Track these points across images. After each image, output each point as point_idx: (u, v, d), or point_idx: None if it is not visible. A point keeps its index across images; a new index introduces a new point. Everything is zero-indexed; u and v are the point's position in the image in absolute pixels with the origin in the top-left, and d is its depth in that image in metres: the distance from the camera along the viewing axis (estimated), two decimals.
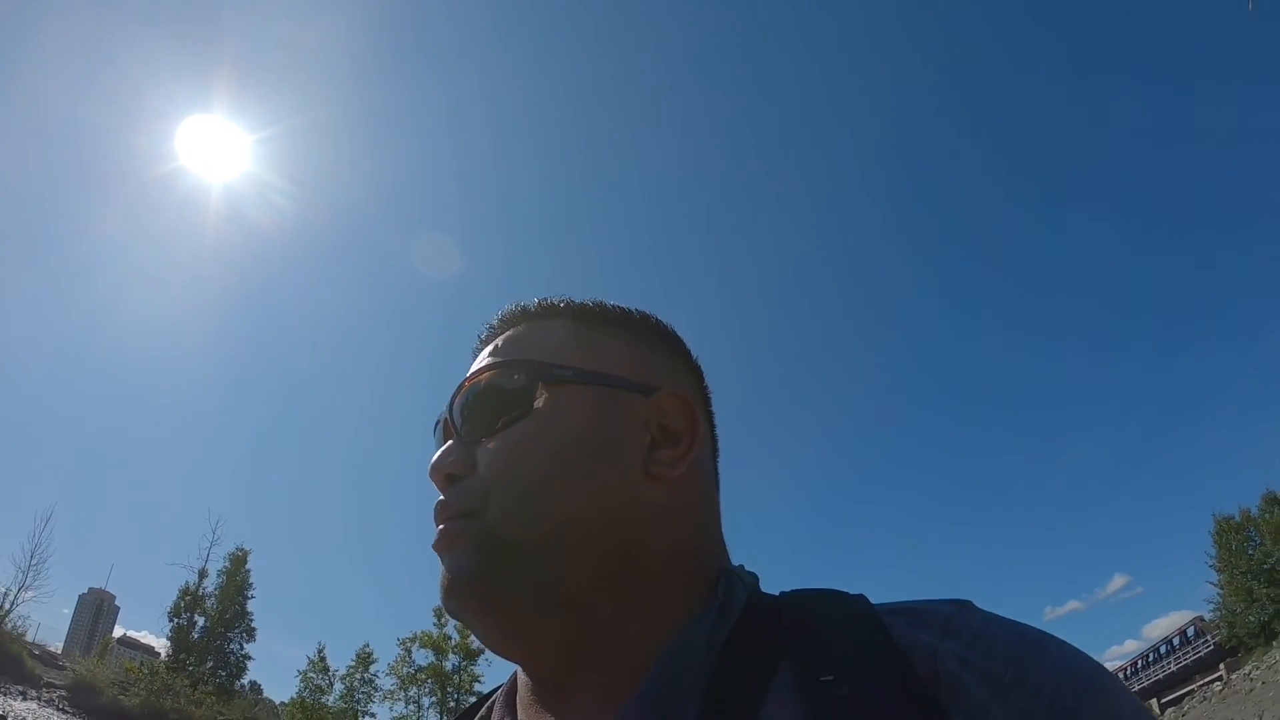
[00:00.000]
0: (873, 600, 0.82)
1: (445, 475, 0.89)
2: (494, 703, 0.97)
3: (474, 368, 0.97)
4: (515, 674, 0.95)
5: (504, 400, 0.90)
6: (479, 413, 0.92)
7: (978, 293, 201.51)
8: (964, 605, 0.79)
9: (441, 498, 0.88)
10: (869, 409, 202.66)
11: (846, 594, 0.85)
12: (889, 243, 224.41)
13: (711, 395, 1.06)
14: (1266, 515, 48.39)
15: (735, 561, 0.96)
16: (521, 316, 1.02)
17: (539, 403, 0.90)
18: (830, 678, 0.71)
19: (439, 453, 0.91)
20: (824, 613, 0.80)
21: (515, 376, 0.92)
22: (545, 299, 1.03)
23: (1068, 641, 0.74)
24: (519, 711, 0.89)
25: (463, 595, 0.84)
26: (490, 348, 0.99)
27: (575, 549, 0.83)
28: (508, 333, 1.00)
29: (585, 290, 1.01)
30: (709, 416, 1.03)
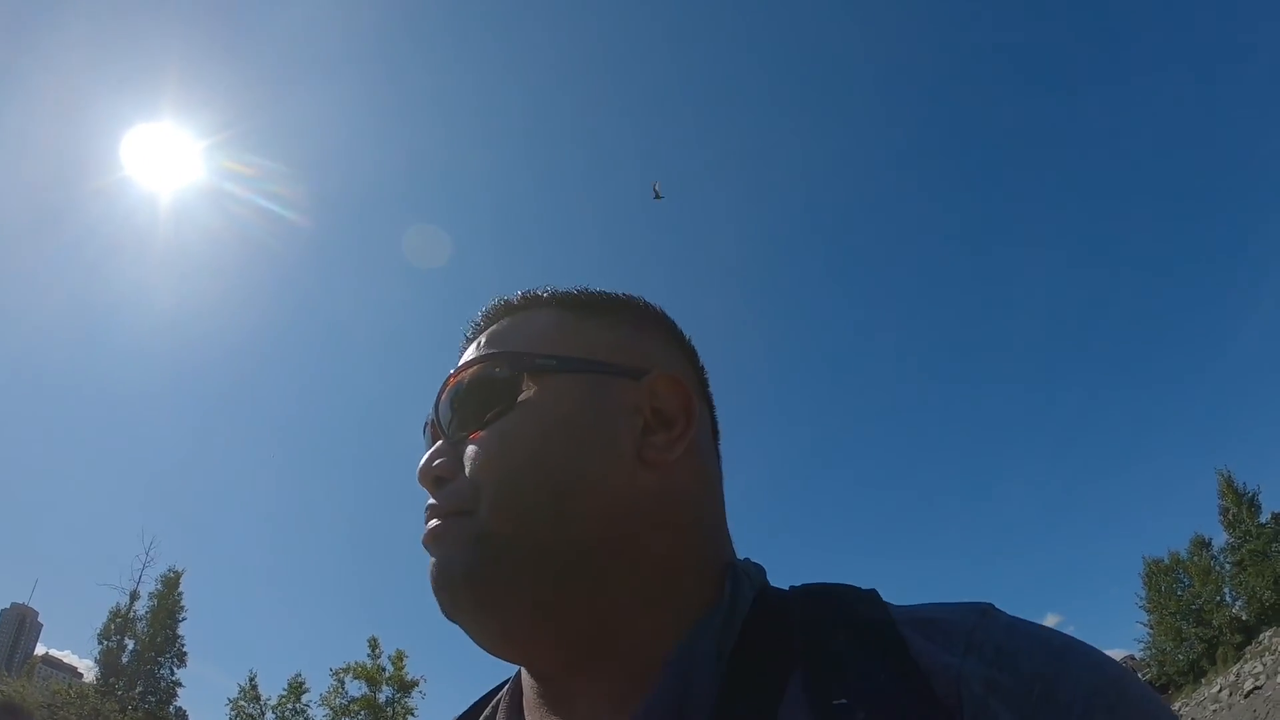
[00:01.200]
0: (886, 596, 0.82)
1: (434, 478, 0.88)
2: (499, 703, 0.95)
3: (460, 365, 0.96)
4: (519, 673, 0.93)
5: (488, 395, 0.89)
6: (464, 409, 0.90)
7: (906, 324, 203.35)
8: (984, 612, 0.76)
9: (431, 501, 0.87)
10: (798, 441, 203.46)
11: (859, 591, 0.84)
12: (826, 262, 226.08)
13: (709, 377, 1.06)
14: (1195, 558, 49.38)
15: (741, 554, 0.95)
16: (505, 310, 1.01)
17: (524, 394, 0.88)
18: (844, 700, 0.68)
19: (426, 455, 0.90)
20: (838, 619, 0.77)
21: (498, 370, 0.91)
22: (529, 290, 1.02)
23: (1094, 647, 0.72)
24: (525, 715, 0.88)
25: (457, 592, 0.81)
26: (474, 344, 0.99)
27: (572, 541, 0.81)
28: (492, 328, 0.99)
29: (579, 277, 1.00)
30: (706, 398, 1.03)
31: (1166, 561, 51.30)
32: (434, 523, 0.85)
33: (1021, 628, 0.74)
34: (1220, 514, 47.68)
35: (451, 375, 0.93)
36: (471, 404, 0.89)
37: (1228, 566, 47.85)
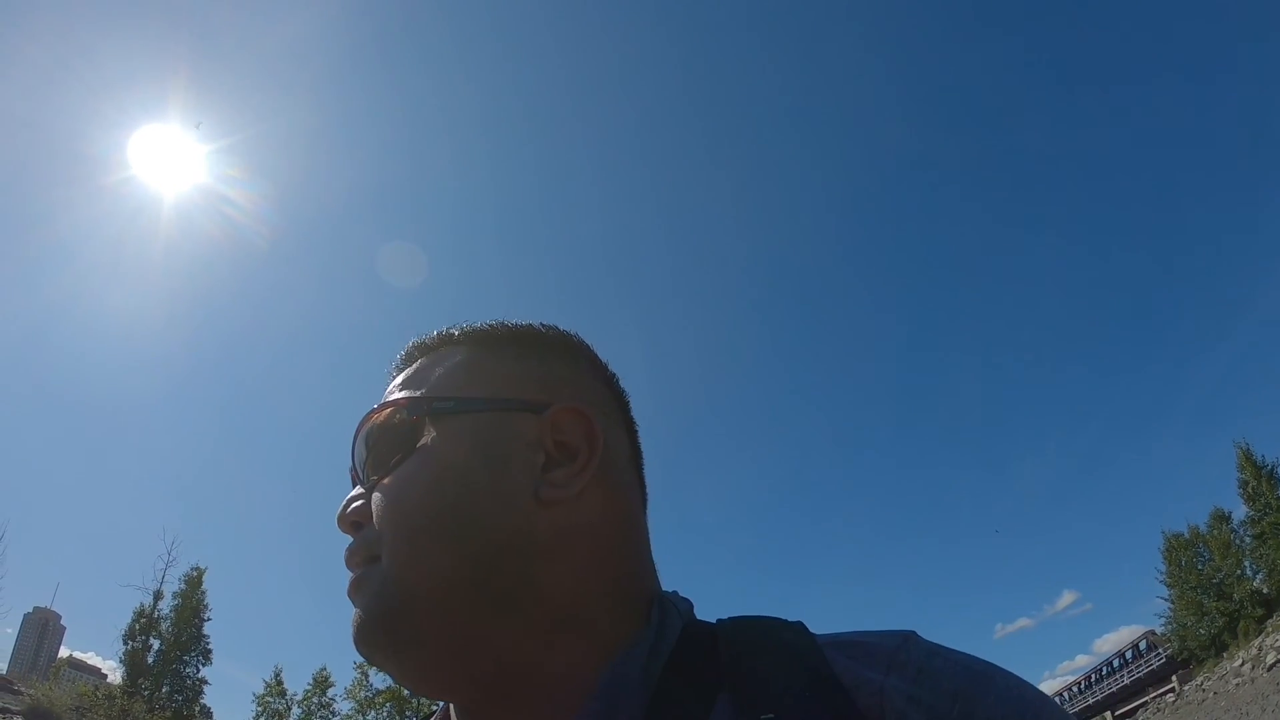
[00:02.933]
0: (813, 629, 0.82)
1: (351, 523, 0.88)
2: None
3: (372, 409, 0.94)
4: (444, 709, 0.94)
5: (392, 440, 0.89)
6: (373, 455, 0.90)
7: (928, 308, 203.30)
8: (908, 638, 0.77)
9: (349, 548, 0.87)
10: (819, 425, 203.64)
11: (785, 622, 0.84)
12: (842, 256, 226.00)
13: (630, 402, 1.04)
14: (1215, 531, 49.26)
15: (674, 586, 0.94)
16: (419, 351, 1.01)
17: (423, 439, 0.87)
18: (770, 716, 0.69)
19: (344, 500, 0.90)
20: (763, 644, 0.78)
21: (399, 415, 0.90)
22: (445, 329, 1.01)
23: (1013, 673, 0.73)
24: None
25: (369, 641, 0.82)
26: (391, 386, 0.99)
27: (469, 586, 0.80)
28: (406, 370, 0.99)
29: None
30: (626, 425, 1.01)
31: (1186, 536, 51.11)
32: (353, 571, 0.85)
33: (944, 652, 0.76)
34: (1239, 487, 47.44)
35: (364, 419, 0.93)
36: (379, 449, 0.90)
37: (1248, 540, 47.64)
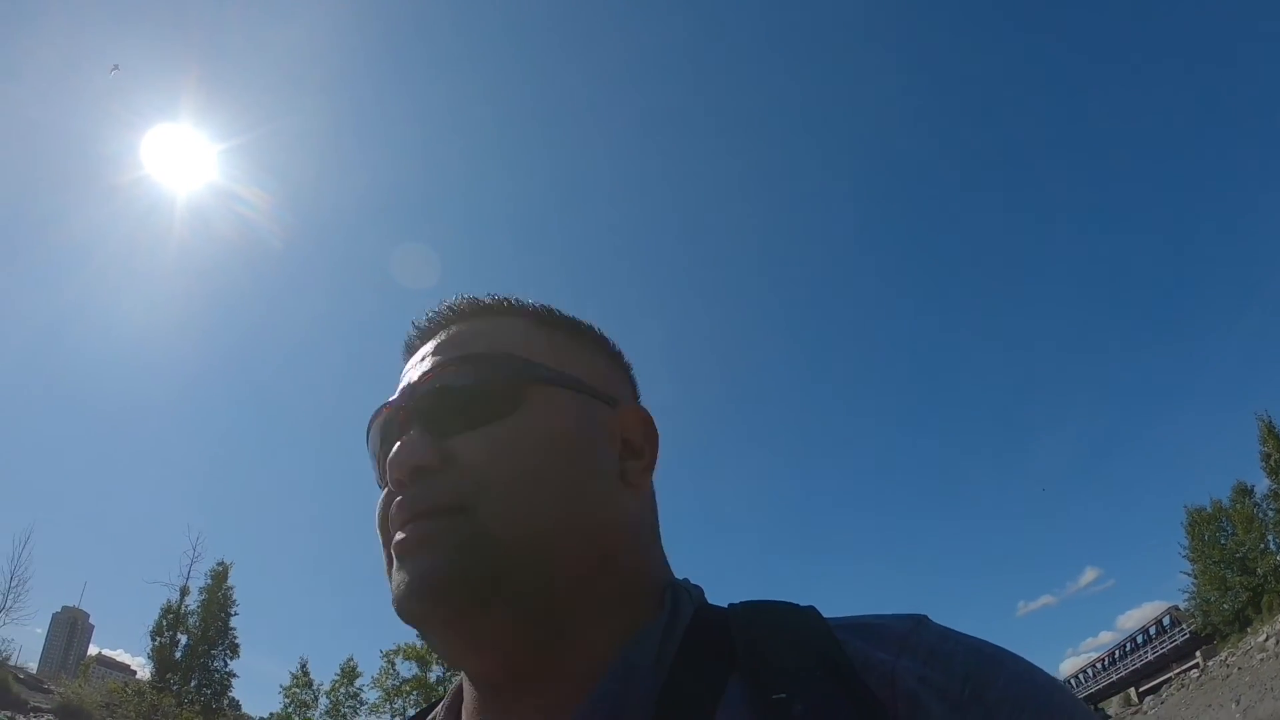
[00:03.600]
0: (837, 612, 0.84)
1: (414, 467, 0.83)
2: (436, 716, 0.95)
3: (438, 358, 0.93)
4: (457, 687, 0.94)
5: (484, 396, 0.87)
6: (453, 406, 0.87)
7: (942, 289, 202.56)
8: (919, 621, 0.79)
9: (403, 495, 0.83)
10: (836, 409, 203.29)
11: (797, 606, 0.85)
12: (859, 241, 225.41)
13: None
14: (1237, 505, 48.91)
15: (697, 569, 0.94)
16: (475, 310, 1.00)
17: (525, 401, 0.87)
18: (783, 695, 0.69)
19: (401, 444, 0.85)
20: (775, 627, 0.79)
21: (498, 370, 0.89)
22: (495, 295, 1.01)
23: (1022, 657, 0.75)
24: None
25: (439, 599, 0.78)
26: (444, 338, 0.97)
27: (564, 552, 0.82)
28: (462, 326, 0.98)
29: (556, 298, 1.01)
30: None
31: (1209, 510, 50.78)
32: (422, 524, 0.81)
33: (954, 635, 0.77)
34: (1262, 460, 47.11)
35: (436, 368, 0.91)
36: (463, 402, 0.87)
37: (1271, 513, 47.30)
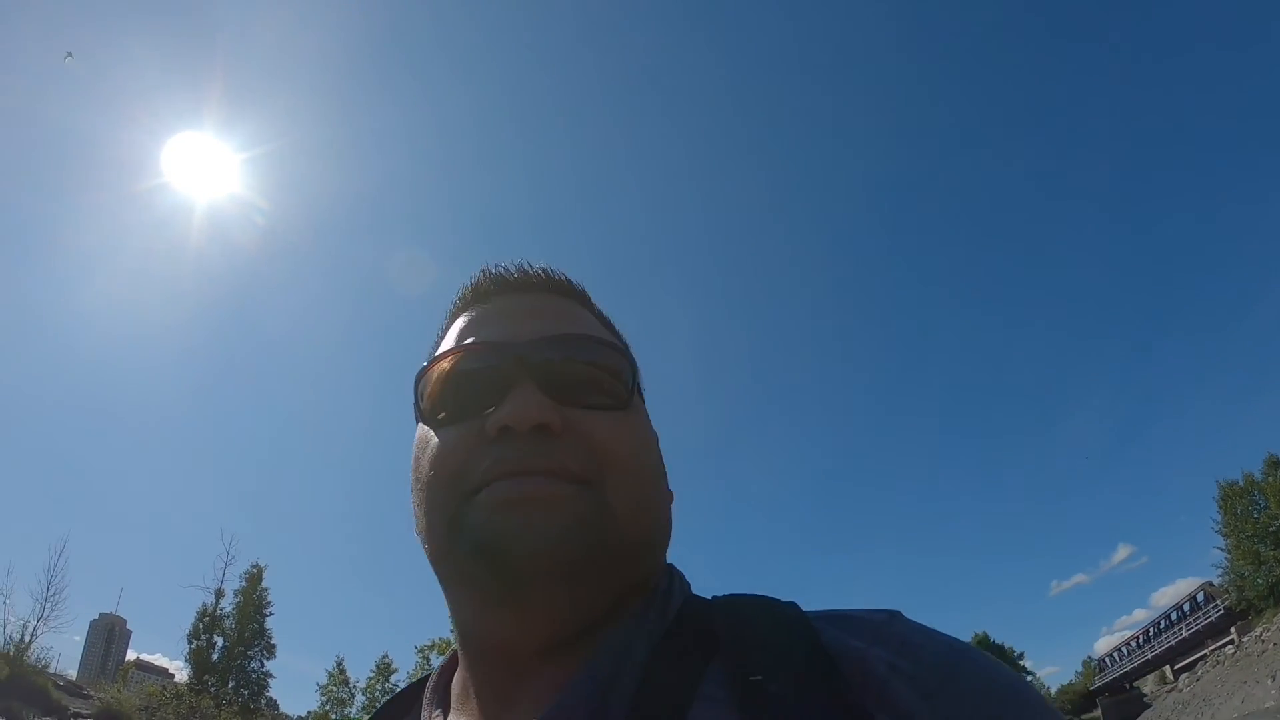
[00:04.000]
0: (869, 598, 0.95)
1: (538, 425, 0.82)
2: (425, 695, 0.96)
3: (561, 328, 0.93)
4: (445, 665, 0.97)
5: (611, 383, 0.90)
6: (579, 380, 0.88)
7: (968, 271, 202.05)
8: (894, 615, 0.81)
9: (521, 445, 0.81)
10: (867, 394, 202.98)
11: (777, 600, 0.86)
12: (885, 227, 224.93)
13: None
14: (1270, 478, 48.53)
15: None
16: (574, 294, 1.03)
17: (632, 403, 0.92)
18: (759, 677, 0.72)
19: (524, 397, 0.83)
20: (755, 617, 0.82)
21: (624, 367, 0.92)
22: (580, 286, 1.04)
23: (991, 655, 0.77)
24: (454, 705, 0.91)
25: (551, 559, 0.77)
26: (554, 306, 0.98)
27: (651, 545, 0.89)
28: (569, 303, 1.00)
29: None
30: None
31: (1241, 484, 50.46)
32: (549, 482, 0.80)
33: (927, 630, 0.79)
34: None
35: (564, 335, 0.92)
36: (595, 380, 0.89)
37: None
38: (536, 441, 0.81)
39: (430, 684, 0.96)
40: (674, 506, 0.97)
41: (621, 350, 0.94)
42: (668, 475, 0.98)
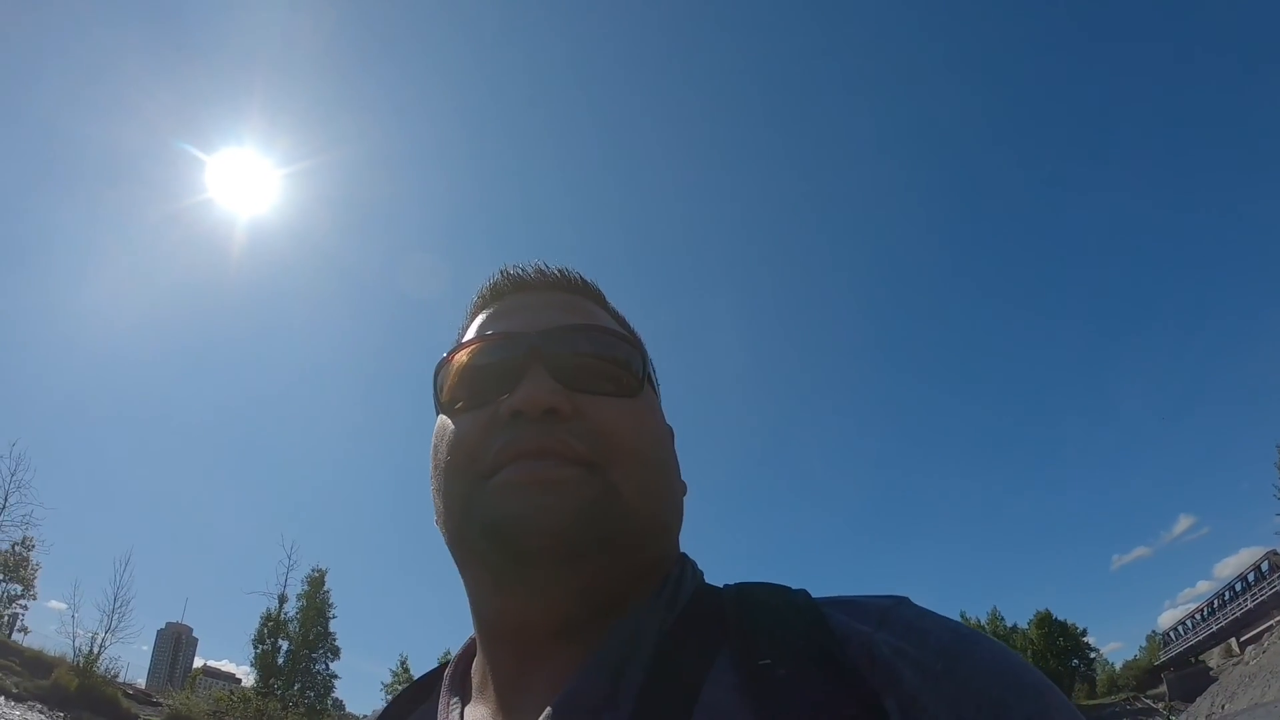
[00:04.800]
0: (927, 582, 0.99)
1: (548, 409, 0.85)
2: (444, 682, 0.98)
3: (573, 318, 0.98)
4: (464, 651, 1.00)
5: (619, 371, 0.94)
6: (589, 368, 0.92)
7: (1012, 256, 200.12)
8: (900, 600, 0.83)
9: (530, 428, 0.85)
10: (919, 384, 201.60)
11: (787, 587, 0.89)
12: (928, 222, 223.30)
13: None
14: None
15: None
16: (587, 291, 1.08)
17: (644, 392, 0.95)
18: (768, 661, 0.74)
19: (535, 382, 0.87)
20: (764, 603, 0.84)
21: (633, 356, 0.96)
22: (594, 284, 1.09)
23: (998, 640, 0.78)
24: (471, 688, 0.94)
25: (557, 539, 0.80)
26: (568, 301, 1.03)
27: (659, 530, 0.90)
28: (583, 299, 1.06)
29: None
30: None
31: None
32: (556, 465, 0.83)
33: (933, 615, 0.81)
34: None
35: (575, 324, 0.96)
36: (603, 368, 0.93)
37: None
38: (547, 425, 0.84)
39: (449, 670, 0.99)
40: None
41: (631, 342, 0.98)
42: (685, 466, 1.03)
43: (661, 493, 0.91)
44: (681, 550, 0.98)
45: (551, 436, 0.84)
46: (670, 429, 1.02)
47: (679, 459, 1.03)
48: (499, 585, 0.86)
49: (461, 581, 0.92)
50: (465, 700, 0.93)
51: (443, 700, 0.94)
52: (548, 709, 0.76)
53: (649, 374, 0.98)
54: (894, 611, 0.80)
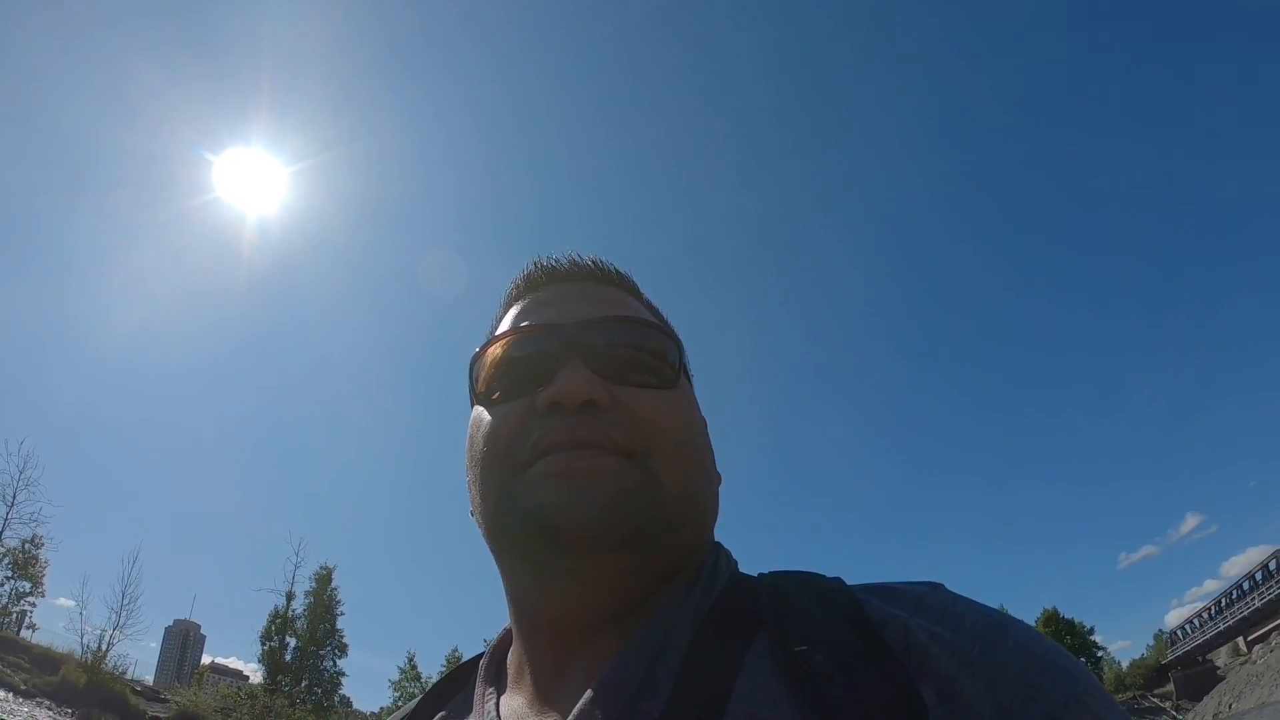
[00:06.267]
0: (939, 578, 0.88)
1: (587, 400, 0.86)
2: (479, 673, 0.99)
3: (609, 310, 0.99)
4: (499, 642, 1.01)
5: (656, 362, 0.94)
6: (627, 358, 0.92)
7: (1024, 254, 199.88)
8: (936, 586, 0.83)
9: (569, 420, 0.85)
10: (931, 380, 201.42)
11: (822, 575, 0.89)
12: (939, 216, 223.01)
13: None
14: None
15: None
16: (622, 282, 1.08)
17: (680, 384, 0.96)
18: (805, 647, 0.74)
19: (573, 374, 0.88)
20: (799, 589, 0.84)
21: (669, 347, 0.97)
22: (631, 278, 1.09)
23: (1031, 625, 0.78)
24: (507, 678, 0.95)
25: (599, 528, 0.80)
26: (604, 293, 1.04)
27: (697, 519, 0.91)
28: (618, 290, 1.06)
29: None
30: None
31: None
32: (597, 454, 0.84)
33: (967, 600, 0.81)
34: None
35: (611, 316, 0.97)
36: (640, 359, 0.93)
37: None
38: (585, 416, 0.85)
39: (484, 661, 0.99)
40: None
41: (667, 333, 0.99)
42: (716, 458, 1.03)
43: (699, 483, 0.92)
44: (716, 539, 0.99)
45: (590, 427, 0.84)
46: (704, 420, 1.02)
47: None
48: (538, 575, 0.87)
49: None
50: (501, 691, 0.94)
51: (478, 690, 0.95)
52: (585, 695, 0.76)
53: (684, 365, 0.99)
54: (929, 597, 0.80)
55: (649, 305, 1.10)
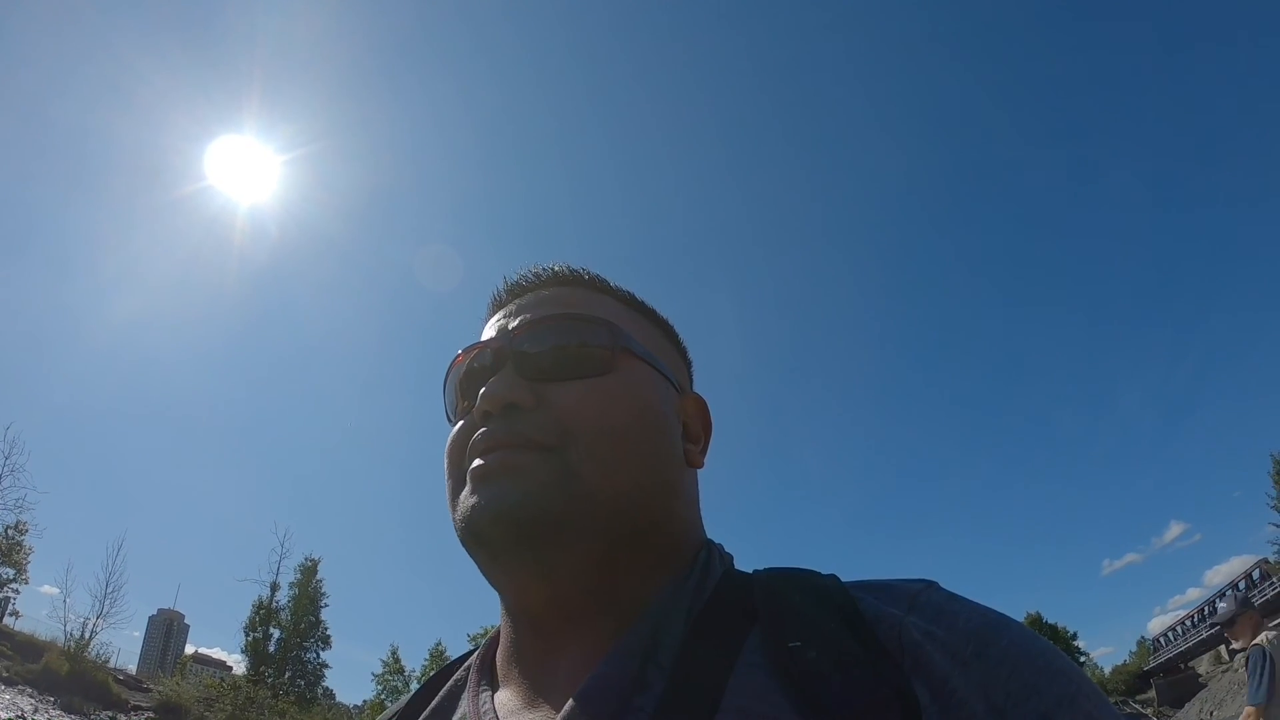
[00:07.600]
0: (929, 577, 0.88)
1: (507, 404, 0.89)
2: (469, 667, 0.99)
3: (540, 311, 0.99)
4: (492, 639, 1.01)
5: (583, 352, 0.94)
6: (551, 356, 0.93)
7: (1012, 257, 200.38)
8: (930, 584, 0.83)
9: (491, 425, 0.89)
10: (914, 380, 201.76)
11: (817, 571, 0.89)
12: (926, 218, 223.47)
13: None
14: None
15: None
16: (574, 280, 1.07)
17: (617, 367, 0.94)
18: (798, 643, 0.74)
19: (496, 379, 0.91)
20: (794, 586, 0.84)
21: (598, 334, 0.96)
22: (591, 272, 1.08)
23: (1027, 626, 0.77)
24: (498, 674, 0.94)
25: (519, 525, 0.82)
26: (546, 295, 1.03)
27: (635, 507, 0.88)
28: (562, 290, 1.05)
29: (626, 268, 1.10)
30: None
31: None
32: (511, 453, 0.86)
33: (962, 599, 0.81)
34: None
35: (544, 318, 0.97)
36: (564, 354, 0.94)
37: None
38: (508, 418, 0.88)
39: (477, 656, 1.00)
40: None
41: (598, 321, 0.98)
42: (708, 447, 1.05)
43: (633, 462, 0.89)
44: (708, 536, 1.00)
45: (506, 429, 0.87)
46: (656, 400, 0.98)
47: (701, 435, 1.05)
48: (490, 574, 0.90)
49: (459, 574, 0.99)
50: (494, 686, 0.94)
51: (471, 685, 0.96)
52: (578, 691, 0.76)
53: (629, 348, 0.97)
54: (924, 595, 0.80)
55: (621, 296, 1.09)
